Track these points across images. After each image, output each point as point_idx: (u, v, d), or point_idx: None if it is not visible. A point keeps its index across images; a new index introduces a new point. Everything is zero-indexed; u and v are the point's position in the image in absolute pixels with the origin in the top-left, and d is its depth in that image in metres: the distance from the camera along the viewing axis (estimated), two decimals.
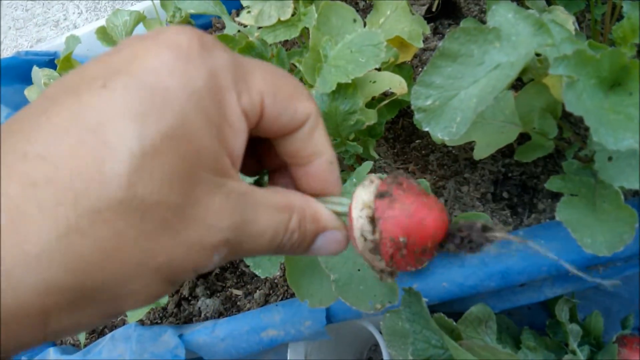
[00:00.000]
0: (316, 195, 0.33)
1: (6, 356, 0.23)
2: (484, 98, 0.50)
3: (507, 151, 0.75)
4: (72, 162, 0.22)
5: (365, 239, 0.30)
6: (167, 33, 0.26)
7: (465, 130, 0.50)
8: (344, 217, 0.33)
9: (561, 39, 0.55)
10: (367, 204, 0.31)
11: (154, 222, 0.23)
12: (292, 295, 0.77)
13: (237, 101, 0.27)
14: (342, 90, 0.59)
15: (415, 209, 0.29)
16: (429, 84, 0.52)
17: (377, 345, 0.93)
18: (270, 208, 0.29)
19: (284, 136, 0.31)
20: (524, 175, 0.74)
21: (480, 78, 0.52)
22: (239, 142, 0.27)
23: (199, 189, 0.25)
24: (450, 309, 0.72)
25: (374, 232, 0.30)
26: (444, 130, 0.51)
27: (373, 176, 0.33)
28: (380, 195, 0.30)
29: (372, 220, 0.30)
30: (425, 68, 0.52)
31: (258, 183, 0.37)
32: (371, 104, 0.66)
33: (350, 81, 0.56)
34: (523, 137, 0.67)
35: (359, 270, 0.58)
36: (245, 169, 0.36)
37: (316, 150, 0.32)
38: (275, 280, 0.80)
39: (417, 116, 0.52)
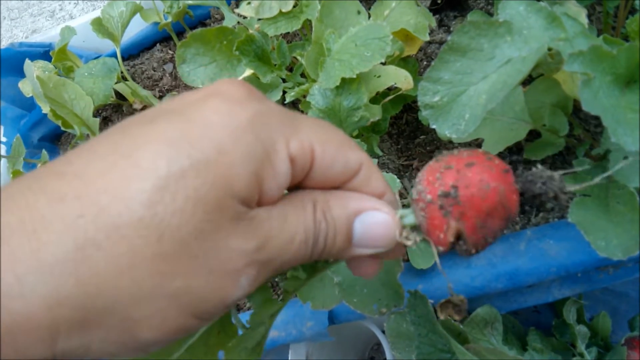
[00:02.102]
0: None
1: None
2: (495, 95, 0.48)
3: (514, 148, 0.73)
4: (102, 180, 0.22)
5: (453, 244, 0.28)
6: (219, 83, 0.27)
7: (474, 128, 0.48)
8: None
9: (574, 33, 0.52)
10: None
11: (174, 244, 0.23)
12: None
13: (285, 145, 0.26)
14: (347, 85, 0.57)
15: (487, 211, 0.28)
16: (437, 79, 0.50)
17: (379, 344, 0.92)
18: (292, 211, 0.27)
19: (342, 187, 0.30)
20: None
21: (491, 73, 0.50)
22: (276, 184, 0.26)
23: (225, 214, 0.24)
24: None
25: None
26: (451, 128, 0.49)
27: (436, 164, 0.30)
28: (445, 211, 0.28)
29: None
30: (433, 63, 0.50)
31: None
32: (375, 99, 0.64)
33: (355, 76, 0.53)
34: (531, 134, 0.65)
35: None
36: None
37: (377, 193, 0.30)
38: (276, 279, 0.78)
39: (424, 113, 0.50)
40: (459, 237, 0.28)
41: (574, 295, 0.69)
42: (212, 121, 0.24)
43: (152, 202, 0.22)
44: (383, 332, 0.72)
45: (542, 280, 0.62)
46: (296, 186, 0.29)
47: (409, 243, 0.29)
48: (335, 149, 0.28)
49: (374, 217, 0.29)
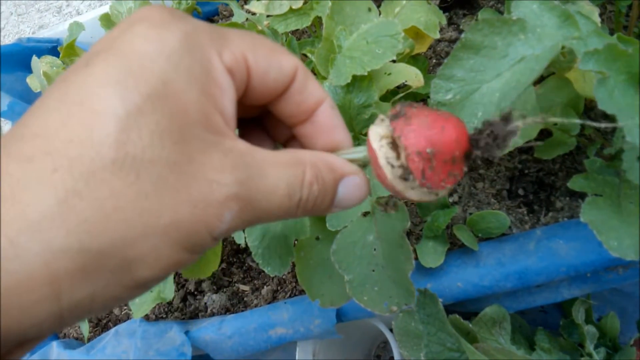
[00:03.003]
0: (328, 151, 0.33)
1: (25, 339, 0.23)
2: (508, 93, 0.48)
3: (523, 147, 0.73)
4: (64, 132, 0.23)
5: (393, 166, 0.30)
6: (139, 11, 0.27)
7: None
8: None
9: (587, 32, 0.52)
10: (384, 135, 0.30)
11: (151, 180, 0.23)
12: (301, 292, 0.75)
13: (219, 58, 0.27)
14: (357, 82, 0.56)
15: (432, 119, 0.29)
16: (450, 76, 0.50)
17: (385, 342, 0.92)
18: (278, 164, 0.28)
19: (281, 97, 0.31)
20: (541, 172, 0.72)
21: (504, 71, 0.50)
22: (227, 99, 0.27)
23: (193, 145, 0.25)
24: (463, 308, 0.70)
25: (398, 156, 0.30)
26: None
27: (381, 115, 0.32)
28: (394, 116, 0.30)
29: (394, 145, 0.30)
30: (446, 60, 0.49)
31: None
32: (385, 97, 0.64)
33: (366, 73, 0.53)
34: (541, 134, 0.65)
35: (373, 270, 0.56)
36: None
37: (315, 99, 0.32)
38: (284, 277, 0.78)
39: None
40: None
41: (583, 296, 0.68)
42: (146, 51, 0.25)
43: (120, 142, 0.23)
44: (390, 330, 0.72)
45: (552, 280, 0.62)
46: (241, 103, 0.30)
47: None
48: (268, 54, 0.29)
49: (354, 180, 0.32)
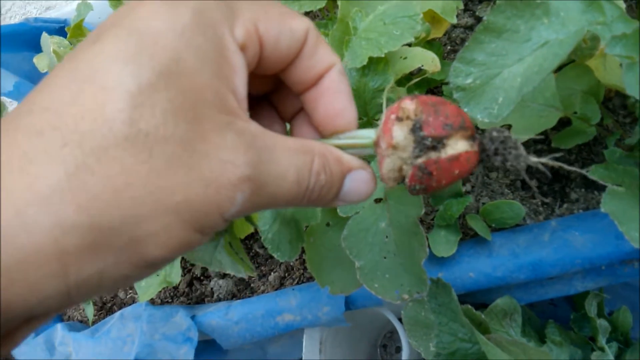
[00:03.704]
0: (336, 129, 0.32)
1: (32, 316, 0.22)
2: (530, 78, 0.47)
3: (539, 137, 0.72)
4: (74, 108, 0.22)
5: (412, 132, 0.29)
6: None
7: (508, 113, 0.47)
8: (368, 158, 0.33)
9: (612, 17, 0.50)
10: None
11: (164, 157, 0.23)
12: (309, 279, 0.74)
13: (231, 35, 0.26)
14: (373, 65, 0.55)
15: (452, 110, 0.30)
16: (470, 60, 0.48)
17: (392, 332, 0.91)
18: (289, 150, 0.28)
19: (292, 64, 0.30)
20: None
21: (526, 56, 0.48)
22: (239, 80, 0.27)
23: (206, 125, 0.24)
24: (473, 299, 0.69)
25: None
26: (484, 112, 0.48)
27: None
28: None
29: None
30: (466, 43, 0.48)
31: None
32: (400, 81, 0.62)
33: (382, 55, 0.52)
34: (558, 123, 0.63)
35: (385, 257, 0.55)
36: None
37: (325, 64, 0.31)
38: (291, 263, 0.77)
39: (456, 95, 0.48)
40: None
41: (596, 289, 0.67)
42: (157, 28, 0.24)
43: (133, 119, 0.22)
44: (399, 319, 0.71)
45: (566, 272, 0.61)
46: (252, 75, 0.30)
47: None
48: (279, 20, 0.29)
49: (361, 175, 0.31)
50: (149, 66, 0.23)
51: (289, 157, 0.27)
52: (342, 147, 0.32)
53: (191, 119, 0.23)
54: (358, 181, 0.31)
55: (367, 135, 0.32)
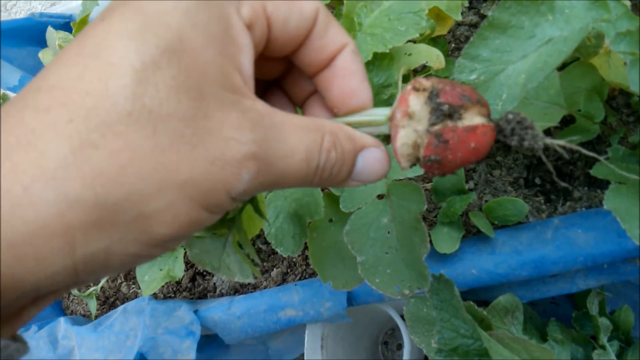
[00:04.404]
0: (351, 109, 0.31)
1: (39, 294, 0.22)
2: (534, 75, 0.47)
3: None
4: (81, 85, 0.22)
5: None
6: None
7: (511, 109, 0.47)
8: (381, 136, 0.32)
9: (617, 15, 0.50)
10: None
11: (168, 134, 0.23)
12: (311, 275, 0.75)
13: (238, 14, 0.26)
14: (377, 61, 0.55)
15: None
16: (475, 56, 0.48)
17: (394, 329, 0.91)
18: (298, 127, 0.27)
19: (303, 45, 0.30)
20: (559, 161, 0.71)
21: (531, 53, 0.48)
22: (245, 58, 0.26)
23: (211, 103, 0.24)
24: (475, 296, 0.69)
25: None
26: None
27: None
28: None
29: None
30: (471, 39, 0.48)
31: None
32: (405, 78, 0.62)
33: (387, 51, 0.52)
34: (561, 121, 0.63)
35: (386, 253, 0.55)
36: None
37: (337, 44, 0.30)
38: (294, 259, 0.78)
39: None
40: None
41: (597, 287, 0.67)
42: (163, 7, 0.24)
43: (137, 95, 0.22)
44: (401, 316, 0.71)
45: (568, 270, 0.61)
46: (262, 57, 0.29)
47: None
48: (287, 2, 0.28)
49: (374, 153, 0.30)
50: (153, 43, 0.23)
51: (297, 135, 0.27)
52: (355, 125, 0.31)
53: (195, 97, 0.23)
54: (371, 159, 0.30)
55: (382, 112, 0.31)
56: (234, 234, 0.45)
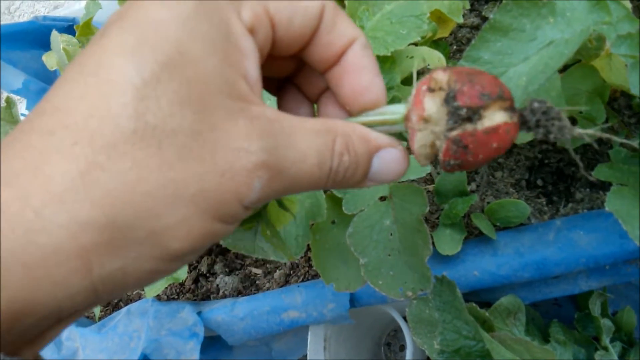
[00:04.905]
0: (364, 106, 0.30)
1: (61, 315, 0.22)
2: (535, 77, 0.47)
3: None
4: (83, 105, 0.22)
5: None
6: None
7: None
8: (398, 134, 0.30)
9: (618, 17, 0.51)
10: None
11: (174, 149, 0.22)
12: (314, 276, 0.75)
13: (238, 19, 0.25)
14: (379, 64, 0.55)
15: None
16: (477, 59, 0.48)
17: (396, 330, 0.91)
18: (308, 131, 0.27)
19: (311, 42, 0.29)
20: (561, 163, 0.71)
21: (532, 55, 0.48)
22: (250, 63, 0.26)
23: (216, 113, 0.24)
24: (477, 298, 0.70)
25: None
26: None
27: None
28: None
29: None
30: (473, 42, 0.48)
31: None
32: (407, 80, 0.63)
33: (389, 54, 0.52)
34: None
35: (389, 255, 0.55)
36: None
37: (346, 38, 0.29)
38: (297, 261, 0.78)
39: None
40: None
41: (599, 289, 0.67)
42: (160, 18, 0.24)
43: (139, 113, 0.22)
44: (403, 317, 0.72)
45: (570, 271, 0.61)
46: (270, 57, 0.29)
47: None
48: (290, 1, 0.27)
49: (391, 154, 0.29)
50: (152, 58, 0.23)
51: (308, 139, 0.26)
52: (370, 125, 0.30)
53: (199, 109, 0.23)
54: (388, 160, 0.29)
55: (397, 110, 0.29)
56: (262, 226, 0.45)
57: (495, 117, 0.26)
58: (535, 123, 0.28)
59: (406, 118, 0.29)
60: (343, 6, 0.61)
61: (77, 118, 0.22)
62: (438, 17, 0.67)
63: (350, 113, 0.31)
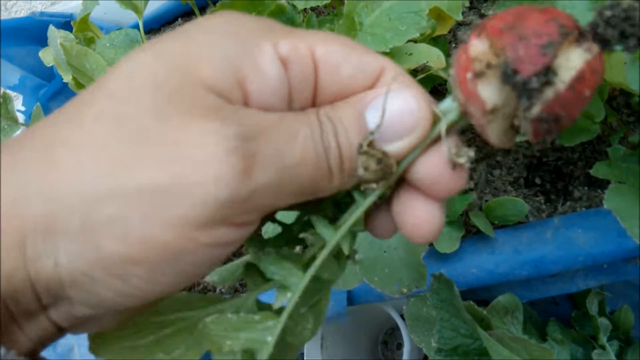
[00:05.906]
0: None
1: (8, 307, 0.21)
2: None
3: None
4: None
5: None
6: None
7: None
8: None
9: None
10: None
11: (133, 130, 0.21)
12: None
13: (272, 46, 0.24)
14: None
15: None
16: None
17: (393, 329, 0.91)
18: (288, 117, 0.24)
19: None
20: (559, 161, 0.71)
21: None
22: (267, 87, 0.24)
23: (195, 105, 0.22)
24: (474, 296, 0.69)
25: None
26: None
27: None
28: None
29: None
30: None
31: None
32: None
33: (388, 50, 0.52)
34: None
35: (385, 252, 0.55)
36: None
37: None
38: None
39: None
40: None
41: (597, 287, 0.67)
42: (189, 29, 0.25)
43: (111, 91, 0.22)
44: (401, 316, 0.71)
45: (568, 270, 0.61)
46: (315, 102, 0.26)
47: (460, 160, 0.24)
48: (343, 49, 0.25)
49: (392, 99, 0.24)
50: (153, 49, 0.24)
51: (290, 122, 0.24)
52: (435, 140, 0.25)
53: (174, 94, 0.21)
54: (393, 110, 0.24)
55: (449, 107, 0.25)
56: None
57: (572, 62, 0.21)
58: (618, 37, 0.21)
59: (464, 113, 0.24)
60: (341, 3, 0.61)
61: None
62: (437, 15, 0.67)
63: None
